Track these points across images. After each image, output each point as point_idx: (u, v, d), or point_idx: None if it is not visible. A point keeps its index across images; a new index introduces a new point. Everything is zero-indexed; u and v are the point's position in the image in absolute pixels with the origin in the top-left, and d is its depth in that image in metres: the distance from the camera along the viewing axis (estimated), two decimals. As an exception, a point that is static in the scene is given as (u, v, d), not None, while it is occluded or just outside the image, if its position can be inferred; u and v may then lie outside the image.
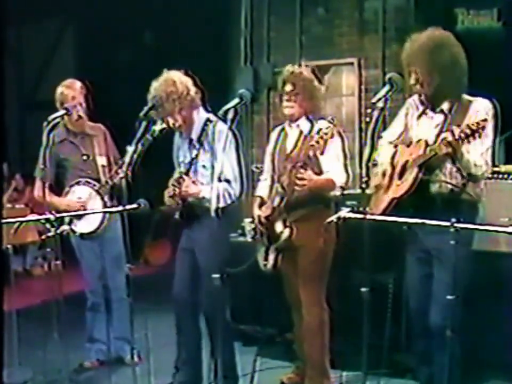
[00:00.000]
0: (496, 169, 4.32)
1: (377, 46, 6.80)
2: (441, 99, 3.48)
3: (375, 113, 3.14)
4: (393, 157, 3.55)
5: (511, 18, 6.02)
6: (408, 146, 3.55)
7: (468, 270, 3.35)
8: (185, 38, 8.66)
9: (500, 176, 4.29)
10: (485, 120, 3.10)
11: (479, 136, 3.10)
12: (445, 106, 3.47)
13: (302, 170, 3.76)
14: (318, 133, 3.67)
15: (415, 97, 3.62)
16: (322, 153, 3.67)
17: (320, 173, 3.93)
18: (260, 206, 4.14)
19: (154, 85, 4.03)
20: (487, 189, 4.09)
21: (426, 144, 3.38)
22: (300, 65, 4.20)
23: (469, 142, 3.14)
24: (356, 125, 6.86)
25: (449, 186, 3.38)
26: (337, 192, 3.98)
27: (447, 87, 3.42)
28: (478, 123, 3.08)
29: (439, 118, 3.50)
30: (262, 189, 4.25)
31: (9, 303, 3.20)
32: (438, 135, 3.44)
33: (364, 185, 3.19)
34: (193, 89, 4.08)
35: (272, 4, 7.42)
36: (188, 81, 4.06)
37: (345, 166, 3.97)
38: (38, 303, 5.49)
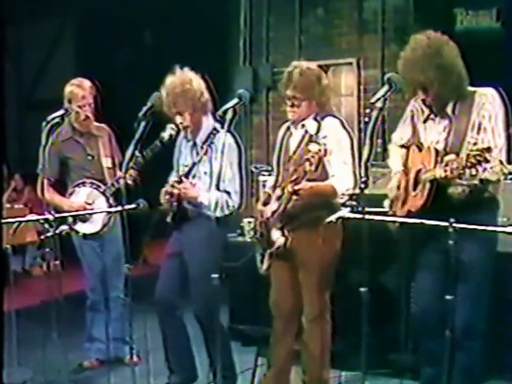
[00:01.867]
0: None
1: (376, 46, 6.80)
2: (445, 102, 3.46)
3: (374, 113, 3.13)
4: (405, 164, 3.52)
5: (509, 18, 6.02)
6: (420, 150, 3.52)
7: (491, 273, 3.35)
8: (185, 38, 8.67)
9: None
10: (489, 148, 3.05)
11: (487, 161, 3.03)
12: (449, 108, 3.45)
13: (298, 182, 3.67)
14: (318, 143, 3.58)
15: (419, 100, 3.58)
16: (316, 169, 3.58)
17: (325, 176, 3.83)
18: (265, 203, 4.07)
19: (171, 79, 3.98)
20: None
21: (436, 152, 3.35)
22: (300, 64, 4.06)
23: (477, 170, 3.11)
24: (355, 125, 6.86)
25: (466, 188, 3.34)
26: (341, 200, 3.82)
27: (450, 90, 3.41)
28: (481, 151, 3.02)
29: (445, 121, 3.47)
30: (270, 185, 4.14)
31: (9, 303, 3.20)
32: (446, 141, 3.42)
33: (362, 185, 3.18)
34: (206, 94, 4.05)
35: (271, 4, 7.43)
36: (203, 85, 4.04)
37: (354, 169, 3.77)
38: (37, 303, 5.50)
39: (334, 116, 3.91)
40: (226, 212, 3.97)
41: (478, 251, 3.06)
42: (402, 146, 3.65)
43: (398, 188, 3.50)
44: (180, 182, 4.01)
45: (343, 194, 3.76)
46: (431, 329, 3.57)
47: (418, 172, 3.44)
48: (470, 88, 3.44)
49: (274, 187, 4.00)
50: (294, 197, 3.65)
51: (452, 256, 3.07)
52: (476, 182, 3.25)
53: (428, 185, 3.35)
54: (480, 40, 5.89)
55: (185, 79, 3.97)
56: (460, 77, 3.41)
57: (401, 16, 6.66)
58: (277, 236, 3.84)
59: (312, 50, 7.07)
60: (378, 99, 3.22)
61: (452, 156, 3.23)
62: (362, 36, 6.89)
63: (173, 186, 4.02)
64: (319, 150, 3.48)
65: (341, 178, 3.75)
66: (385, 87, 3.29)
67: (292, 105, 3.88)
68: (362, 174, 3.20)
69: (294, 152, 3.92)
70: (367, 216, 3.14)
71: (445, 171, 3.19)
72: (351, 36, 6.96)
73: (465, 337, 3.17)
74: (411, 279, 3.75)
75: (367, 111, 3.23)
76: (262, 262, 3.96)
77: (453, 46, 3.43)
